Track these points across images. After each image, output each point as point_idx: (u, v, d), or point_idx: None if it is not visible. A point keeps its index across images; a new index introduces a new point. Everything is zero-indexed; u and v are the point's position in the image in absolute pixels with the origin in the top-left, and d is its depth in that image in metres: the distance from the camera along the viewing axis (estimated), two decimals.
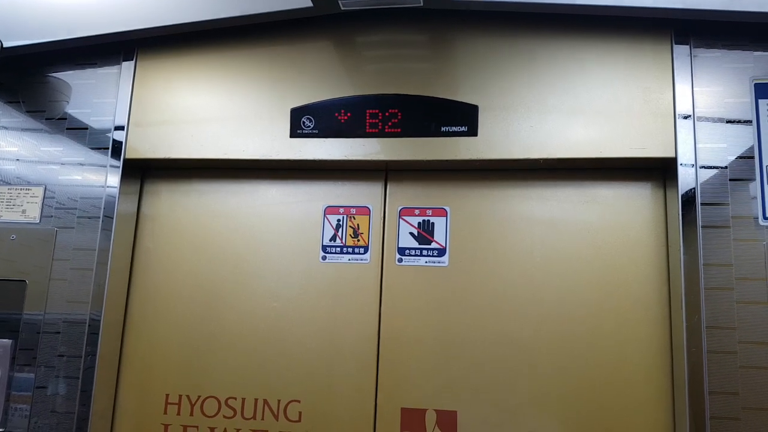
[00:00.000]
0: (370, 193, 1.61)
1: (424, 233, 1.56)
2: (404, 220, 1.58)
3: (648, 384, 1.39)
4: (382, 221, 1.59)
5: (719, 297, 1.30)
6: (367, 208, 1.60)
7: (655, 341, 1.41)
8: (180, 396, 1.58)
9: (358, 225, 1.59)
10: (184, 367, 1.59)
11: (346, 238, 1.58)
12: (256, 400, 1.54)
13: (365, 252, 1.57)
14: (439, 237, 1.55)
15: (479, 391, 1.45)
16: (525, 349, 1.46)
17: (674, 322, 1.39)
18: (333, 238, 1.59)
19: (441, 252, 1.54)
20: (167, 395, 1.58)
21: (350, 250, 1.58)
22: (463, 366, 1.47)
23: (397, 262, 1.56)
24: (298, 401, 1.52)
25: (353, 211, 1.60)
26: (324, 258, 1.59)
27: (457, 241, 1.54)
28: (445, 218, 1.56)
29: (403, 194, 1.60)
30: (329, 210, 1.61)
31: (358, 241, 1.58)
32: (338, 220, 1.60)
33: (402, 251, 1.56)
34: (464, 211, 1.56)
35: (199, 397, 1.57)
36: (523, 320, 1.47)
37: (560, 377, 1.43)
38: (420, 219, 1.57)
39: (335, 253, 1.58)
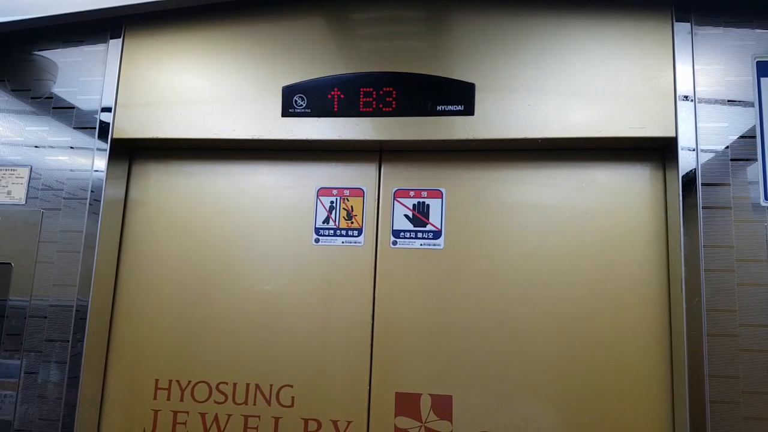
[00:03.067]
0: (364, 174, 1.58)
1: (419, 215, 1.53)
2: (399, 201, 1.55)
3: (647, 367, 1.37)
4: (376, 203, 1.56)
5: (720, 279, 1.28)
6: (361, 189, 1.57)
7: (654, 324, 1.39)
8: (170, 381, 1.55)
9: (351, 207, 1.56)
10: (174, 352, 1.56)
11: (339, 221, 1.55)
12: (247, 384, 1.51)
13: (359, 234, 1.54)
14: (435, 219, 1.52)
15: (475, 374, 1.43)
16: (521, 332, 1.43)
17: (674, 304, 1.37)
18: (326, 221, 1.56)
19: (436, 234, 1.51)
20: (157, 380, 1.55)
21: (344, 232, 1.55)
22: (459, 349, 1.45)
23: (391, 245, 1.53)
24: (291, 386, 1.49)
25: (347, 192, 1.57)
26: (317, 241, 1.55)
27: (453, 224, 1.51)
28: (440, 200, 1.53)
29: (398, 175, 1.56)
30: (322, 191, 1.58)
31: (352, 223, 1.55)
32: (331, 202, 1.57)
33: (397, 234, 1.53)
34: (460, 192, 1.53)
35: (190, 382, 1.54)
36: (519, 304, 1.45)
37: (558, 360, 1.41)
38: (415, 201, 1.54)
39: (328, 235, 1.55)
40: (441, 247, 1.51)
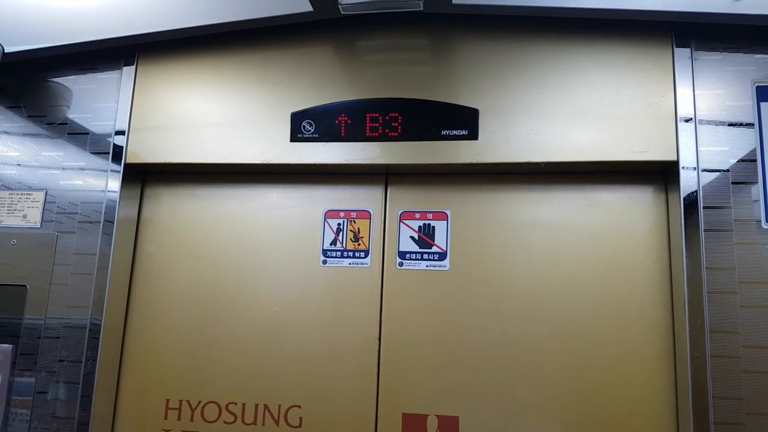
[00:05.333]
0: (370, 197, 1.60)
1: (424, 237, 1.55)
2: (405, 223, 1.57)
3: (651, 388, 1.38)
4: (382, 225, 1.58)
5: (722, 301, 1.29)
6: (368, 212, 1.59)
7: (657, 345, 1.40)
8: (180, 401, 1.57)
9: (358, 229, 1.58)
10: (184, 372, 1.58)
11: (346, 242, 1.58)
12: (256, 405, 1.53)
13: (366, 256, 1.57)
14: (440, 241, 1.54)
15: (481, 395, 1.44)
16: (527, 353, 1.45)
17: (677, 326, 1.38)
18: (333, 242, 1.59)
19: (442, 256, 1.54)
20: (168, 400, 1.58)
21: (351, 254, 1.57)
22: (465, 370, 1.46)
23: (397, 266, 1.55)
24: (299, 406, 1.51)
25: (354, 215, 1.60)
26: (325, 262, 1.58)
27: (458, 245, 1.54)
28: (445, 222, 1.55)
29: (404, 198, 1.59)
30: (330, 214, 1.61)
31: (359, 245, 1.57)
32: (339, 224, 1.59)
33: (403, 255, 1.55)
34: (465, 214, 1.55)
35: (200, 402, 1.56)
36: (524, 324, 1.46)
37: (563, 381, 1.42)
38: (421, 223, 1.56)
39: (336, 257, 1.58)
40: (447, 268, 1.53)
